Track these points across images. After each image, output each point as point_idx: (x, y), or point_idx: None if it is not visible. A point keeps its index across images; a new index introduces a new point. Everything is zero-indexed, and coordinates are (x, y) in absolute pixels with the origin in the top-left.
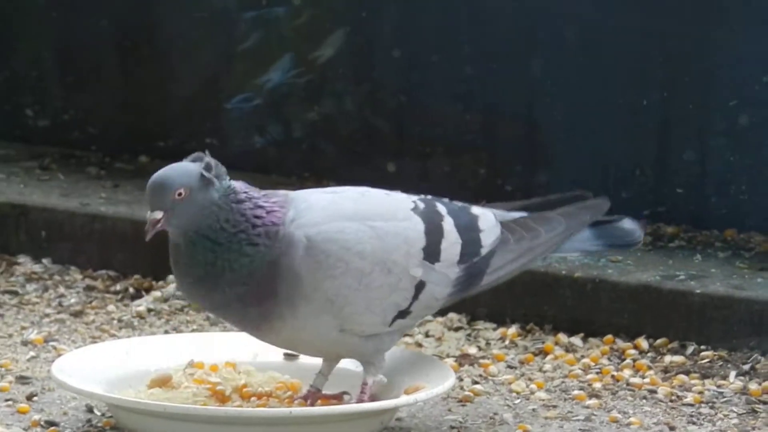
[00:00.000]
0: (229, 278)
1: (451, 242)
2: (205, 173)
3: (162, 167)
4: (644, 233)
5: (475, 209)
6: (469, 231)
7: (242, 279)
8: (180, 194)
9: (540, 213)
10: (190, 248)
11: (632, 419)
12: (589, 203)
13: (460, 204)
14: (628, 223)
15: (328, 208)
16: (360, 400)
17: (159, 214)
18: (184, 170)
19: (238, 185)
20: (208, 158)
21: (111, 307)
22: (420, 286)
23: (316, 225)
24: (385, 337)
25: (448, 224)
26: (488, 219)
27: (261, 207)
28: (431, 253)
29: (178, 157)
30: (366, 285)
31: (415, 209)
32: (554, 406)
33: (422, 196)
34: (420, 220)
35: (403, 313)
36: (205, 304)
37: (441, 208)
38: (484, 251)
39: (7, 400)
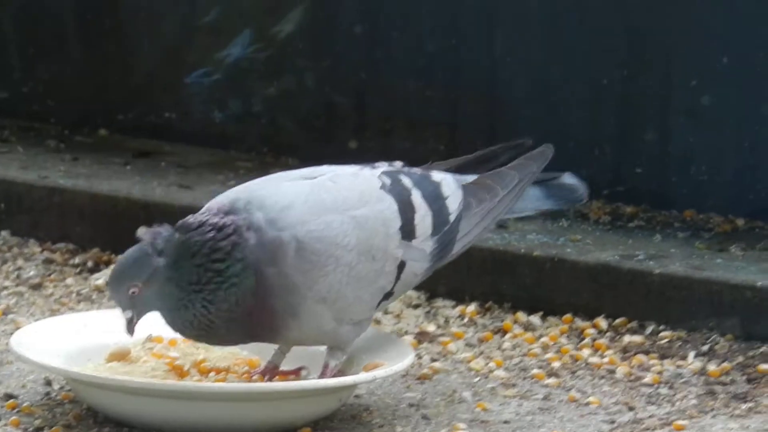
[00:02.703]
0: (225, 317)
1: (423, 215)
2: (153, 259)
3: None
4: (586, 189)
5: (435, 175)
6: (436, 200)
7: (235, 313)
8: (134, 291)
9: (495, 171)
10: (178, 314)
11: (591, 399)
12: (535, 152)
13: (420, 171)
14: (569, 179)
15: (308, 202)
16: None
17: (128, 314)
18: (129, 264)
19: (187, 236)
20: (150, 238)
21: (70, 281)
22: (401, 266)
23: (303, 223)
24: (365, 321)
25: (417, 197)
26: (449, 184)
27: (218, 249)
28: (407, 231)
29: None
30: (354, 276)
31: (383, 187)
32: (513, 385)
33: (384, 168)
34: (392, 199)
35: (387, 295)
36: (213, 343)
37: (406, 180)
38: (452, 218)
39: None
